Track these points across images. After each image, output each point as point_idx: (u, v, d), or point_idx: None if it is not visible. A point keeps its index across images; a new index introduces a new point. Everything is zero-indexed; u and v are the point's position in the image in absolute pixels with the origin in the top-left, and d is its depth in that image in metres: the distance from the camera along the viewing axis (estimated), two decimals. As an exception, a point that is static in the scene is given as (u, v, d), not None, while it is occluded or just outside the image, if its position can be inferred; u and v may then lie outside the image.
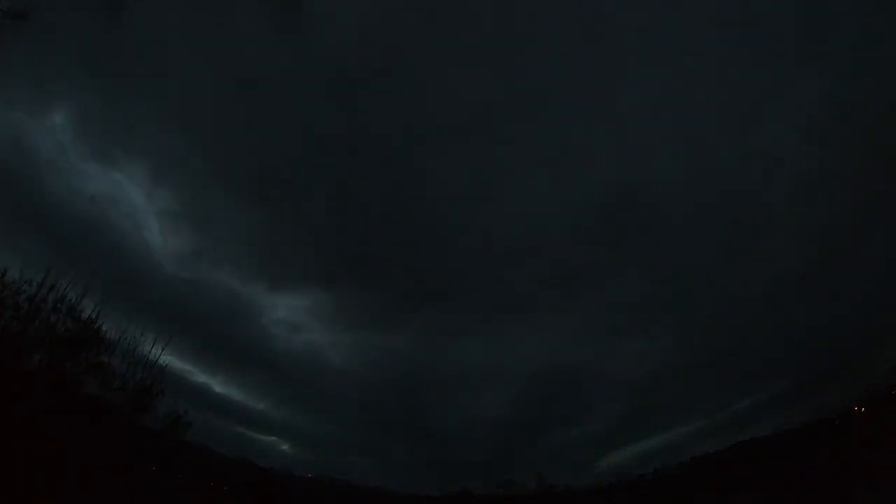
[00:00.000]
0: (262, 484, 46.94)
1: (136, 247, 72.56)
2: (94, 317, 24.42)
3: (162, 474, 29.74)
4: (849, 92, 57.04)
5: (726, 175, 67.66)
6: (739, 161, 66.61)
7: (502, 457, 63.45)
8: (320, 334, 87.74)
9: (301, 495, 50.92)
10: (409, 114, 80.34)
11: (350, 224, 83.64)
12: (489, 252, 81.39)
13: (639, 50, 72.12)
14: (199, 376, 65.54)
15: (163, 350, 26.14)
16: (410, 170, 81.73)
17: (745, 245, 65.57)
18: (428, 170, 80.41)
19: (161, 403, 27.74)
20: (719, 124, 68.91)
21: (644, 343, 67.83)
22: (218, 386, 67.83)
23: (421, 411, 71.60)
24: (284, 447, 65.02)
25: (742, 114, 67.11)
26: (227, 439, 52.23)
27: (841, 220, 56.73)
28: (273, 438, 65.32)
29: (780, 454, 37.42)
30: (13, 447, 18.45)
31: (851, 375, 43.99)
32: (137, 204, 73.93)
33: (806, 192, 60.92)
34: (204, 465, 38.58)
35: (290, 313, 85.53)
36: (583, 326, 75.73)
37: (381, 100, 79.96)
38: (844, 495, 27.21)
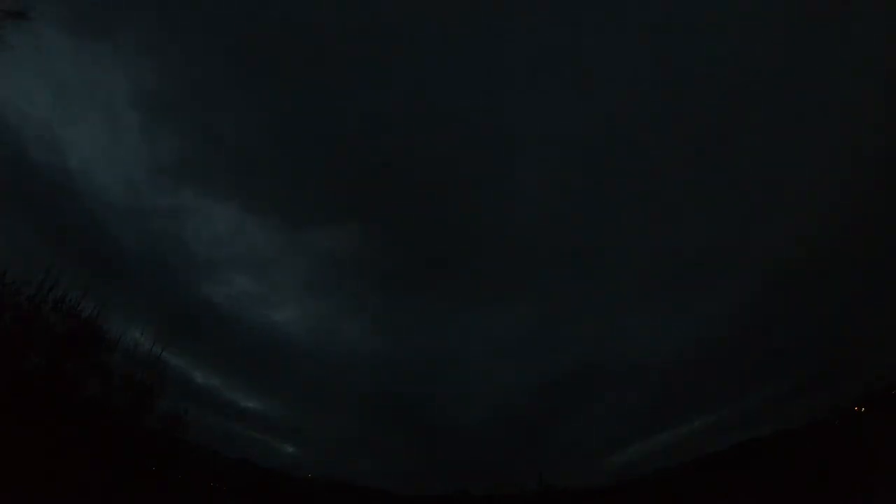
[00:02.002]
0: (262, 484, 46.87)
1: (105, 154, 53.93)
2: (94, 316, 24.46)
3: (162, 474, 29.70)
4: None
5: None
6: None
7: (502, 457, 63.38)
8: (322, 306, 72.03)
9: (301, 495, 50.82)
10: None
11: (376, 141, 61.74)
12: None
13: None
14: (196, 370, 58.50)
15: (163, 350, 26.17)
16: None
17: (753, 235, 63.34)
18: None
19: (161, 403, 27.75)
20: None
21: (643, 343, 67.82)
22: (215, 381, 62.59)
23: (421, 407, 70.37)
24: (285, 447, 64.45)
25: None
26: (227, 439, 51.32)
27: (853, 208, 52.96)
28: (273, 438, 64.71)
29: (780, 454, 37.37)
30: (13, 447, 18.41)
31: (851, 375, 43.99)
32: (115, 89, 54.10)
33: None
34: (204, 465, 38.48)
35: (295, 274, 63.95)
36: (585, 317, 72.89)
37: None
38: (845, 495, 27.17)
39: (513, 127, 66.61)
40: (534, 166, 68.11)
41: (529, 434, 67.26)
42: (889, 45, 51.40)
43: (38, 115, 49.62)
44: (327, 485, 55.68)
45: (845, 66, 53.68)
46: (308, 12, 58.97)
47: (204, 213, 60.29)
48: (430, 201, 67.69)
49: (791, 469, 34.34)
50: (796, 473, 33.18)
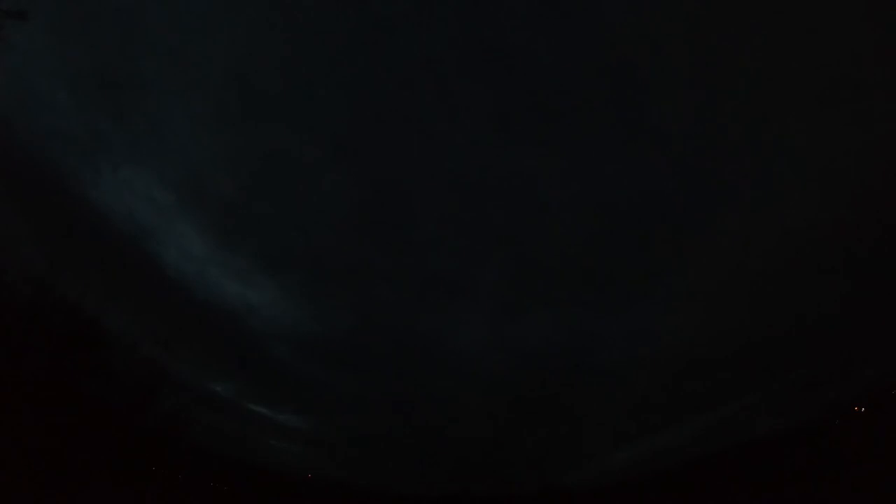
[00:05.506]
0: (263, 484, 46.87)
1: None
2: (94, 316, 24.44)
3: (162, 474, 29.72)
4: None
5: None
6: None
7: (502, 456, 63.28)
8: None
9: (301, 495, 50.84)
10: None
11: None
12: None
13: None
14: (193, 364, 47.62)
15: (166, 349, 26.19)
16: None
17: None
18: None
19: (161, 403, 27.73)
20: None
21: (643, 342, 67.71)
22: (214, 381, 56.56)
23: (420, 404, 69.38)
24: (285, 447, 64.40)
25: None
26: (227, 439, 50.81)
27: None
28: (273, 438, 64.55)
29: (781, 454, 37.39)
30: (13, 447, 18.41)
31: (851, 375, 43.98)
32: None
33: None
34: (204, 465, 38.49)
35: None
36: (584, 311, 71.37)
37: None
38: (845, 496, 27.17)
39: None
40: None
41: (531, 433, 67.26)
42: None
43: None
44: (327, 485, 55.69)
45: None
46: None
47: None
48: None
49: (791, 469, 34.34)
50: (796, 474, 33.18)
